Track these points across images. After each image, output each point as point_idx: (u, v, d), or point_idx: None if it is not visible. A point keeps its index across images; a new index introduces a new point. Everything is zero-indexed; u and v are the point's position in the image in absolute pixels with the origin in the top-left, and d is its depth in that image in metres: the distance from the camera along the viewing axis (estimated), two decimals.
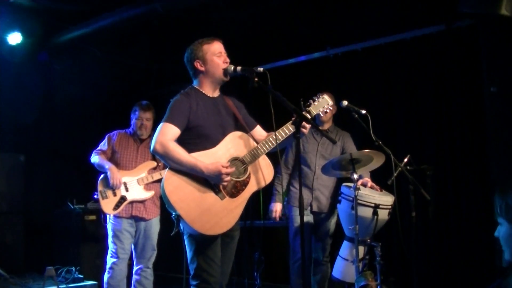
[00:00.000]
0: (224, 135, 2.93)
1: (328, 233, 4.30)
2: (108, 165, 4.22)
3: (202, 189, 2.78)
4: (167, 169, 2.83)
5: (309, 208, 4.25)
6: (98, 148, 4.42)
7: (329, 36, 5.68)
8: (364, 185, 3.88)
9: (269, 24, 5.64)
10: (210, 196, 2.78)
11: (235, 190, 2.85)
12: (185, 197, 2.74)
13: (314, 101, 3.07)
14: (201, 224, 2.72)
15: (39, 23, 5.82)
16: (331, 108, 3.12)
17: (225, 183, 2.79)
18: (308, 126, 2.88)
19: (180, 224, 2.83)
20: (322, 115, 3.11)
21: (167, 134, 2.80)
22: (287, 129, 2.93)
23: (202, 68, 2.99)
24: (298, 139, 2.78)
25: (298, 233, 4.15)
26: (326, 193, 4.30)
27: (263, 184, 2.97)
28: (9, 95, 6.01)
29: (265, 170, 2.98)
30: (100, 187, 4.22)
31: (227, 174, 2.76)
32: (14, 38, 5.78)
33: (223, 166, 2.75)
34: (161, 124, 2.85)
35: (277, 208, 4.39)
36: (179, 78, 4.96)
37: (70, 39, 6.00)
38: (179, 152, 2.76)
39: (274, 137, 2.91)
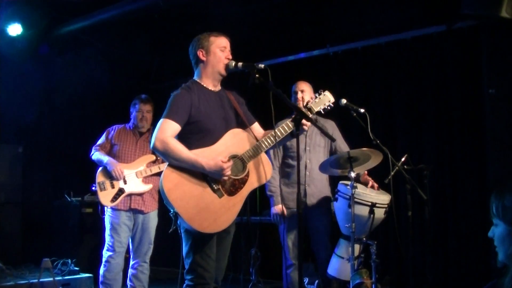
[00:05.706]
0: (227, 129, 2.92)
1: (325, 229, 4.10)
2: (105, 159, 4.27)
3: (201, 187, 2.77)
4: (166, 164, 2.82)
5: (302, 205, 3.99)
6: (97, 144, 4.46)
7: (329, 34, 5.68)
8: (365, 184, 3.88)
9: (270, 20, 5.63)
10: (209, 194, 2.78)
11: (234, 188, 2.84)
12: (184, 195, 2.73)
13: (315, 97, 3.05)
14: (200, 222, 2.71)
15: (40, 14, 5.80)
16: (333, 105, 3.08)
17: (225, 178, 2.78)
18: (308, 123, 2.86)
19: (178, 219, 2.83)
20: (322, 112, 3.09)
21: (167, 131, 2.78)
22: (287, 127, 2.90)
23: (204, 58, 2.99)
24: (297, 137, 2.78)
25: (289, 233, 3.99)
26: (319, 187, 4.11)
27: (262, 181, 2.96)
28: (9, 87, 5.99)
29: (263, 168, 2.96)
30: (99, 179, 4.24)
31: (228, 167, 2.76)
32: (15, 29, 5.73)
33: (223, 162, 2.75)
34: (161, 121, 2.83)
35: (278, 210, 4.05)
36: (180, 72, 4.98)
37: (71, 32, 5.98)
38: (180, 149, 2.75)
39: (273, 134, 2.89)
